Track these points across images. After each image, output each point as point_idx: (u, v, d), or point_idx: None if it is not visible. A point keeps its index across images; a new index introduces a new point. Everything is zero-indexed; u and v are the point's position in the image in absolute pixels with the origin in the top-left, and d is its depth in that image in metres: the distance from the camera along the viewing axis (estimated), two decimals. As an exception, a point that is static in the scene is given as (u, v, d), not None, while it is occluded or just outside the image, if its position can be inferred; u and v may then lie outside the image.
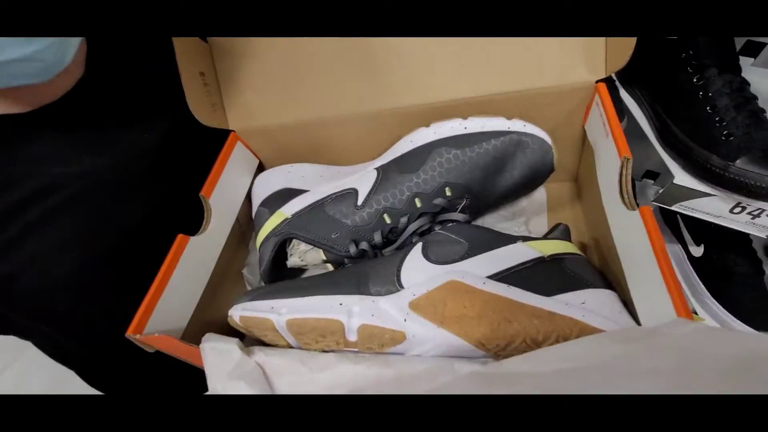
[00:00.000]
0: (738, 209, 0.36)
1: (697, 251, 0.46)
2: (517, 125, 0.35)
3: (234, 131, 0.44)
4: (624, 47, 0.33)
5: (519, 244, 0.30)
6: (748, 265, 0.44)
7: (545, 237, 0.33)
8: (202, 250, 0.38)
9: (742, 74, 0.38)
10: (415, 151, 0.37)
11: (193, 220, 0.39)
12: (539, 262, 0.29)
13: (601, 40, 0.35)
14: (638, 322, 0.26)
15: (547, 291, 0.27)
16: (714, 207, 0.37)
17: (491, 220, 0.43)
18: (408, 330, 0.27)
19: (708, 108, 0.37)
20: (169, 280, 0.34)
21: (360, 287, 0.29)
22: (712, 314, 0.43)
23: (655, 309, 0.24)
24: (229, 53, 0.44)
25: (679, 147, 0.38)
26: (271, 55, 0.43)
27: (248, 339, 0.39)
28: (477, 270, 0.29)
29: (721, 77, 0.37)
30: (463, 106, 0.39)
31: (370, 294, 0.29)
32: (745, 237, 0.39)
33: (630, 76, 0.45)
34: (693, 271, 0.46)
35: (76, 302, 0.35)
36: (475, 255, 0.30)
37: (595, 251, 0.38)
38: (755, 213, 0.36)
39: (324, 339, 0.29)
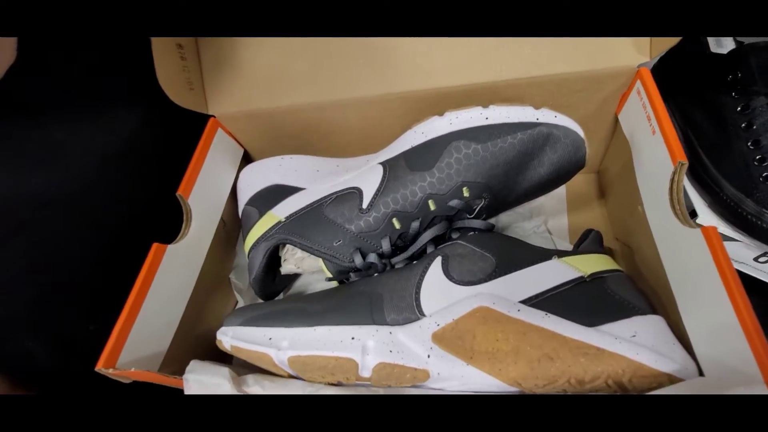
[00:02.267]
0: (764, 258, 0.32)
1: None
2: (548, 116, 0.30)
3: (214, 117, 0.38)
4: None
5: (555, 262, 0.27)
6: (760, 306, 0.41)
7: (579, 249, 0.29)
8: (183, 260, 0.33)
9: None
10: (428, 144, 0.32)
11: (171, 224, 0.34)
12: (579, 283, 0.26)
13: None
14: (691, 353, 0.23)
15: (592, 320, 0.24)
16: (737, 253, 0.33)
17: (507, 219, 0.40)
18: (432, 368, 0.23)
19: (749, 143, 0.32)
20: (144, 299, 0.29)
21: (374, 314, 0.25)
22: None
23: (721, 351, 0.21)
24: None
25: (708, 183, 0.33)
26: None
27: (237, 359, 0.35)
28: (508, 293, 0.25)
29: None
30: (481, 91, 0.34)
31: (386, 323, 0.25)
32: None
33: (662, 89, 0.40)
34: None
35: (41, 333, 0.30)
36: (505, 274, 0.26)
37: (626, 260, 0.34)
38: None
39: (333, 375, 0.25)
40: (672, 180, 0.26)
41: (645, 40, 0.30)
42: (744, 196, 0.31)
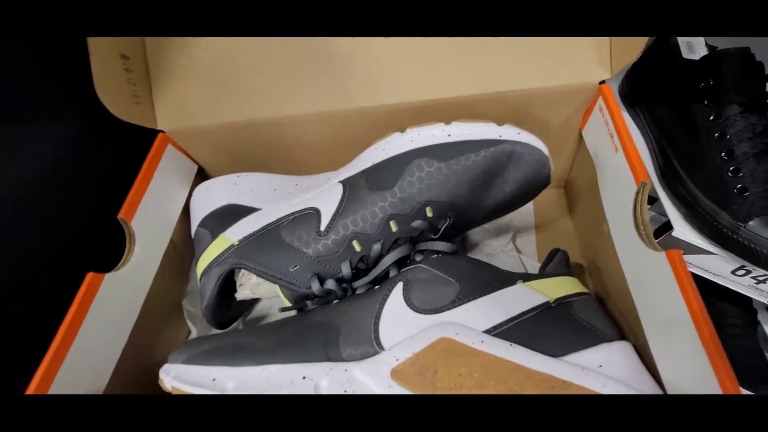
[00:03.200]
0: (742, 272, 0.31)
1: None
2: (511, 133, 0.29)
3: (163, 132, 0.35)
4: (633, 39, 0.28)
5: (520, 286, 0.25)
6: (742, 317, 0.40)
7: (544, 272, 0.28)
8: (124, 288, 0.30)
9: None
10: (389, 162, 0.31)
11: (114, 249, 0.31)
12: (544, 309, 0.24)
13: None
14: (659, 381, 0.22)
15: (558, 349, 0.22)
16: (715, 266, 0.32)
17: (475, 237, 0.38)
18: (391, 408, 0.21)
19: (723, 153, 0.31)
20: (76, 333, 0.26)
21: (328, 349, 0.23)
22: None
23: (687, 376, 0.20)
24: (165, 40, 0.35)
25: (683, 195, 0.32)
26: (216, 42, 0.34)
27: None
28: (472, 321, 0.24)
29: (743, 117, 0.31)
30: (444, 107, 0.33)
31: (342, 359, 0.23)
32: None
33: (635, 98, 0.37)
34: None
35: None
36: (469, 300, 0.25)
37: (594, 278, 0.34)
38: (761, 278, 0.31)
39: (283, 419, 0.22)
40: (635, 200, 0.25)
41: (606, 55, 0.30)
42: (719, 208, 0.30)
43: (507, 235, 0.38)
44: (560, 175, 0.40)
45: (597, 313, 0.25)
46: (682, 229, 0.32)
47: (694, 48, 0.37)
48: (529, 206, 0.40)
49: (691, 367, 0.20)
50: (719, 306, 0.43)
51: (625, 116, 0.37)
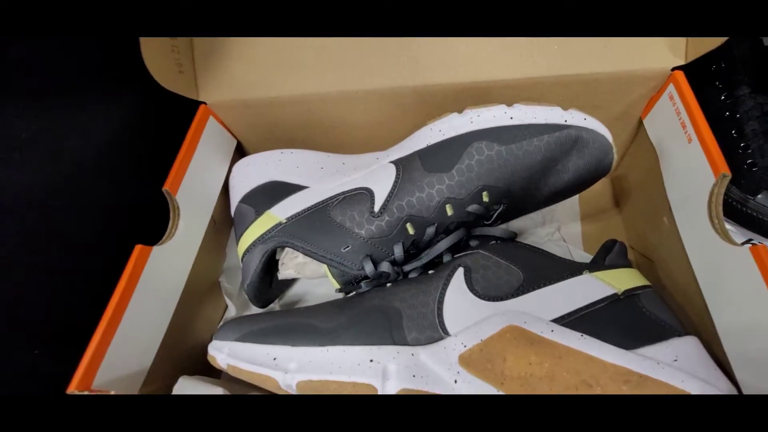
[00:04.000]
0: (749, 245, 0.33)
1: None
2: (577, 118, 0.28)
3: (206, 104, 0.34)
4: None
5: (587, 277, 0.25)
6: None
7: (606, 263, 0.27)
8: (170, 262, 0.30)
9: None
10: (446, 144, 0.30)
11: (156, 223, 0.30)
12: (613, 301, 0.24)
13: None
14: (730, 375, 0.22)
15: (630, 342, 0.22)
16: None
17: (520, 225, 0.38)
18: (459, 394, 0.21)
19: (733, 131, 0.32)
20: (125, 308, 0.26)
21: (393, 333, 0.23)
22: None
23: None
24: None
25: None
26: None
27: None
28: (539, 310, 0.23)
29: (752, 97, 0.32)
30: (502, 89, 0.32)
31: (407, 343, 0.22)
32: None
33: None
34: None
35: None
36: (534, 289, 0.24)
37: (646, 273, 0.33)
38: None
39: (346, 402, 0.22)
40: (711, 192, 0.24)
41: (681, 42, 0.28)
42: (729, 183, 0.32)
43: (553, 225, 0.38)
44: (608, 165, 0.39)
45: (664, 306, 0.25)
46: None
47: None
48: (575, 197, 0.39)
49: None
50: None
51: None
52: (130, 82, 0.31)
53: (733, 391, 0.21)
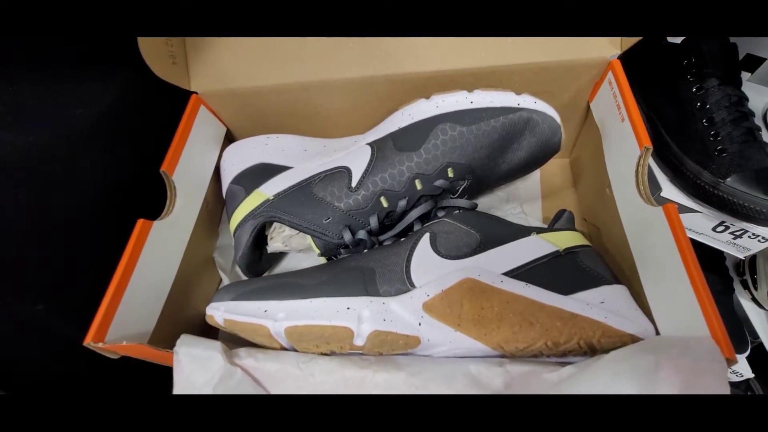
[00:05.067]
0: (721, 228, 0.36)
1: None
2: (528, 101, 0.32)
3: (197, 93, 0.37)
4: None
5: (534, 237, 0.29)
6: (719, 283, 0.45)
7: (554, 227, 0.32)
8: (168, 236, 0.33)
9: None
10: (415, 126, 0.33)
11: (153, 201, 0.33)
12: (555, 257, 0.28)
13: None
14: (651, 318, 0.26)
15: (566, 289, 0.26)
16: (697, 224, 0.37)
17: (487, 202, 0.42)
18: (423, 335, 0.25)
19: (704, 120, 0.36)
20: (131, 274, 0.29)
21: (367, 287, 0.26)
22: None
23: (678, 316, 0.24)
24: None
25: (670, 159, 0.37)
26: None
27: (222, 335, 0.35)
28: (492, 266, 0.27)
29: (720, 89, 0.36)
30: (464, 77, 0.35)
31: (379, 294, 0.26)
32: (719, 254, 0.39)
33: (629, 77, 0.43)
34: None
35: (14, 315, 0.29)
36: (488, 249, 0.28)
37: (594, 238, 0.37)
38: (738, 233, 0.35)
39: (327, 345, 0.26)
40: (638, 163, 0.28)
41: (617, 34, 0.32)
42: (701, 168, 0.34)
43: (515, 202, 0.42)
44: (566, 145, 0.43)
45: (599, 262, 0.29)
46: (669, 190, 0.36)
47: None
48: (536, 176, 0.43)
49: (682, 309, 0.23)
50: None
51: None
52: (128, 61, 0.33)
53: (650, 326, 0.25)
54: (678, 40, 0.41)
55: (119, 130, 0.35)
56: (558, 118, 0.33)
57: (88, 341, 0.26)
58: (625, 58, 0.45)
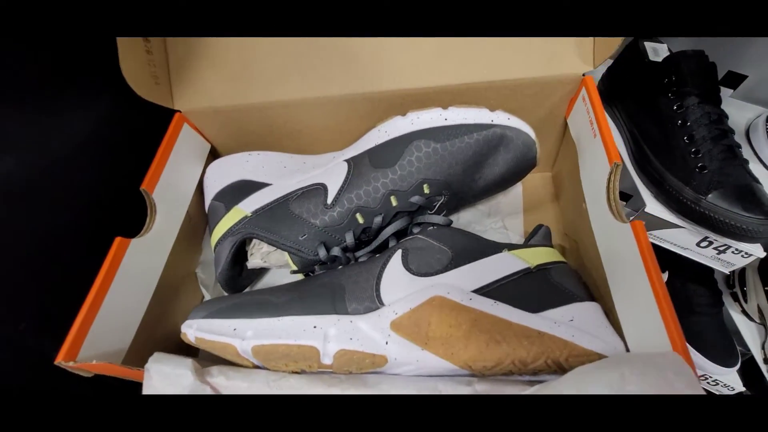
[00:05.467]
0: (705, 243, 0.36)
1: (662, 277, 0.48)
2: (501, 118, 0.32)
3: (180, 112, 0.38)
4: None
5: (505, 254, 0.29)
6: (709, 296, 0.45)
7: (528, 243, 0.32)
8: (147, 254, 0.33)
9: (721, 106, 0.37)
10: (391, 143, 0.34)
11: (137, 220, 0.34)
12: (525, 274, 0.28)
13: (590, 28, 0.33)
14: (622, 336, 0.26)
15: (535, 306, 0.26)
16: (682, 239, 0.37)
17: (468, 216, 0.42)
18: (390, 353, 0.25)
19: (685, 138, 0.36)
20: (106, 293, 0.29)
21: (335, 304, 0.27)
22: None
23: (644, 331, 0.24)
24: None
25: (653, 175, 0.37)
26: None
27: (203, 353, 0.35)
28: (462, 283, 0.27)
29: (700, 107, 0.36)
30: (441, 94, 0.36)
31: (347, 312, 0.26)
32: (707, 268, 0.39)
33: (610, 94, 0.44)
34: None
35: None
36: (460, 266, 0.28)
37: (572, 254, 0.37)
38: (721, 248, 0.36)
39: (296, 363, 0.26)
40: (609, 179, 0.28)
41: (589, 50, 0.33)
42: (683, 184, 0.35)
43: (497, 216, 0.42)
44: (547, 160, 0.43)
45: (572, 278, 0.29)
46: (653, 206, 0.36)
47: (658, 52, 0.42)
48: (518, 189, 0.43)
49: (648, 326, 0.23)
50: (689, 287, 0.47)
51: None
52: (109, 82, 0.34)
53: (619, 343, 0.25)
54: (659, 56, 0.41)
55: (102, 151, 0.36)
56: (533, 134, 0.33)
57: (59, 360, 0.26)
58: (608, 75, 0.46)
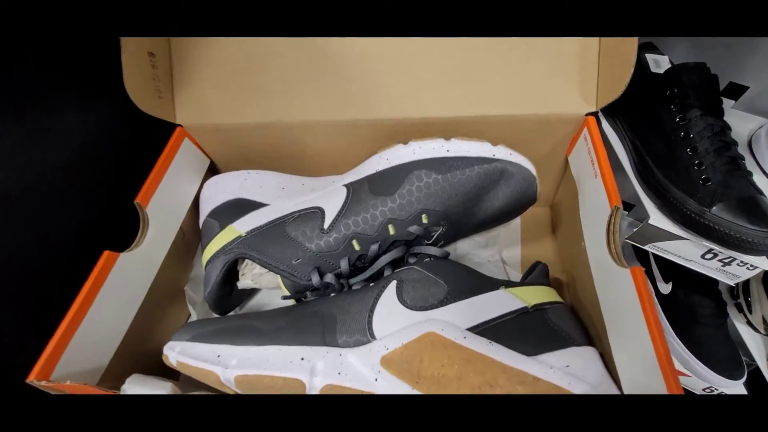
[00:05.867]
0: (710, 255, 0.36)
1: (665, 288, 0.46)
2: (503, 153, 0.32)
3: (181, 126, 0.38)
4: (618, 79, 0.31)
5: (502, 292, 0.28)
6: (713, 307, 0.44)
7: (525, 280, 0.31)
8: (135, 269, 0.32)
9: (724, 117, 0.37)
10: (391, 171, 0.34)
11: (125, 228, 0.33)
12: (522, 313, 0.27)
13: (593, 70, 0.34)
14: (618, 383, 0.25)
15: (531, 348, 0.25)
16: (686, 251, 0.36)
17: (465, 247, 0.41)
18: (379, 391, 0.24)
19: (688, 150, 0.36)
20: (89, 309, 0.28)
21: (326, 335, 0.26)
22: (676, 355, 0.43)
23: (641, 379, 0.23)
24: (191, 39, 0.37)
25: (657, 187, 0.37)
26: (237, 45, 0.37)
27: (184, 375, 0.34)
28: (457, 320, 0.26)
29: (703, 119, 0.36)
30: (443, 124, 0.36)
31: (337, 345, 0.25)
32: (711, 278, 0.38)
33: (613, 107, 0.43)
34: (660, 308, 0.46)
35: None
36: (455, 301, 0.27)
37: (570, 290, 0.37)
38: (726, 261, 0.35)
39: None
40: (609, 221, 0.28)
41: (592, 91, 0.33)
42: (687, 196, 0.34)
43: (494, 248, 0.41)
44: (547, 195, 0.43)
45: (569, 320, 0.28)
46: (657, 218, 0.36)
47: (660, 64, 0.42)
48: (517, 222, 0.43)
49: (645, 373, 0.22)
50: (693, 298, 0.46)
51: (605, 123, 0.42)
52: (107, 91, 0.34)
53: (615, 392, 0.24)
54: (660, 68, 0.41)
55: (99, 162, 0.35)
56: (533, 170, 0.33)
57: (31, 379, 0.25)
58: None
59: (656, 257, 0.46)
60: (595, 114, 0.33)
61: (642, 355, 0.23)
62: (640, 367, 0.23)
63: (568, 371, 0.24)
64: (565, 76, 0.34)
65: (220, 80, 0.38)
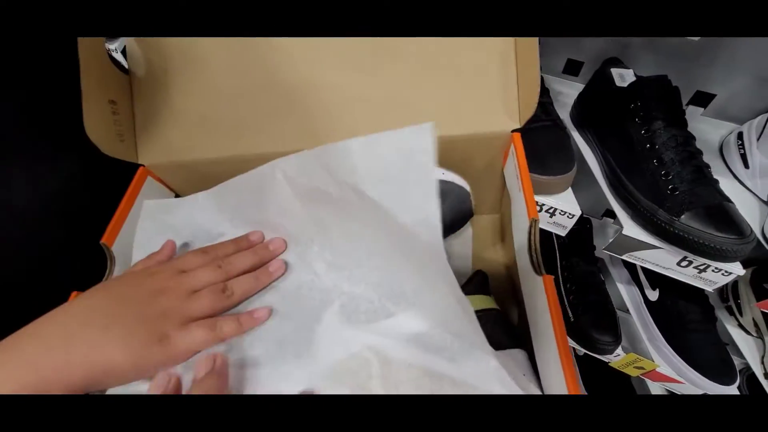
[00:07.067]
0: (685, 263, 0.36)
1: (653, 295, 0.47)
2: (436, 174, 0.35)
3: (144, 166, 0.40)
4: (531, 98, 0.33)
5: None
6: (700, 312, 0.45)
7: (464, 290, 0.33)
8: (104, 306, 0.35)
9: (693, 123, 0.38)
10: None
11: (97, 270, 0.35)
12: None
13: (513, 90, 0.36)
14: (540, 384, 0.27)
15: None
16: (662, 259, 0.37)
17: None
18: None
19: (654, 161, 0.37)
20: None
21: None
22: (666, 360, 0.44)
23: (551, 377, 0.25)
24: (150, 85, 0.40)
25: (628, 198, 0.38)
26: (193, 88, 0.40)
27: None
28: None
29: (667, 130, 0.37)
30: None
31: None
32: None
33: (583, 121, 0.45)
34: (649, 315, 0.47)
35: None
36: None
37: (516, 296, 0.39)
38: (701, 268, 0.36)
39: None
40: (529, 232, 0.30)
41: (515, 108, 0.35)
42: (656, 206, 0.36)
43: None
44: (494, 203, 0.45)
45: (500, 326, 0.30)
46: (631, 228, 0.37)
47: (624, 78, 0.43)
48: (468, 232, 0.46)
49: (552, 370, 0.25)
50: (680, 304, 0.47)
51: (576, 136, 0.43)
52: (76, 140, 0.35)
53: (534, 390, 0.26)
54: (625, 82, 0.42)
55: (68, 207, 0.38)
56: (467, 187, 0.35)
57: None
58: (580, 100, 0.46)
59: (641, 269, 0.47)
60: (520, 130, 0.36)
61: (551, 356, 0.25)
62: (550, 368, 0.26)
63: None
64: (489, 96, 0.36)
65: (180, 118, 0.40)
